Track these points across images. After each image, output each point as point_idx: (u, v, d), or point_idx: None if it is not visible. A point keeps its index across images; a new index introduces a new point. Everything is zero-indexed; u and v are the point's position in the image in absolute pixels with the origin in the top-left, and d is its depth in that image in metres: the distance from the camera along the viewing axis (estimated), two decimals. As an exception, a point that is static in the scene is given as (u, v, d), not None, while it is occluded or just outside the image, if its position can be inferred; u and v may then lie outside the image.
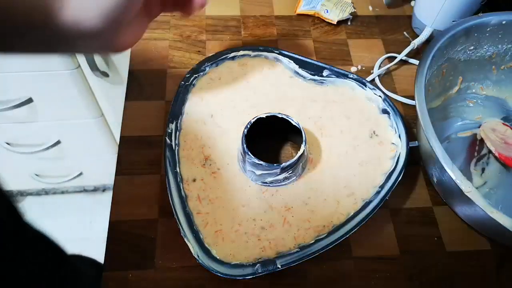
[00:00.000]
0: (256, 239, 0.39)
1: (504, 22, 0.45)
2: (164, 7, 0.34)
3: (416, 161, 0.46)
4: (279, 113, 0.41)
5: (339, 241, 0.38)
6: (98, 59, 0.69)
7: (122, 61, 0.72)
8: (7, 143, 0.87)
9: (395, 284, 0.40)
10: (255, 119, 0.40)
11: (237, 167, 0.43)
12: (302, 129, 0.40)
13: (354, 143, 0.45)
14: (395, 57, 0.54)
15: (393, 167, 0.42)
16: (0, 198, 0.31)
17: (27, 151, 0.89)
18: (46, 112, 0.81)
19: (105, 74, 0.74)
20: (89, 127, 0.87)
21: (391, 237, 0.42)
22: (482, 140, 0.48)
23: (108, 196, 1.19)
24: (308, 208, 0.41)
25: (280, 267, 0.36)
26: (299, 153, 0.39)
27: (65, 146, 0.92)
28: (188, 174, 0.42)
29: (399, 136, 0.44)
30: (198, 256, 0.36)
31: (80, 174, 1.04)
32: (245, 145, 0.39)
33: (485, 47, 0.47)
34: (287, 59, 0.49)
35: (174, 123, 0.44)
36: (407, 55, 0.54)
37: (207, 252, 0.37)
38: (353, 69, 0.54)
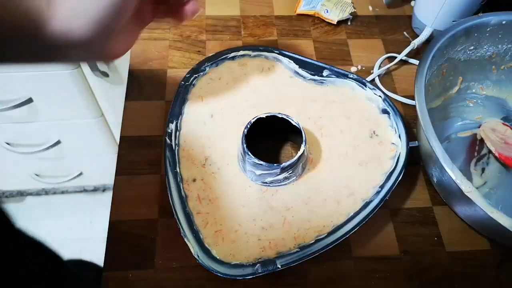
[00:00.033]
0: (256, 239, 0.39)
1: (504, 22, 0.45)
2: (155, 14, 0.34)
3: (416, 161, 0.46)
4: (279, 113, 0.41)
5: (339, 241, 0.38)
6: (98, 59, 0.69)
7: (122, 61, 0.72)
8: (7, 143, 0.87)
9: (395, 284, 0.40)
10: (255, 119, 0.40)
11: (237, 167, 0.43)
12: (302, 129, 0.40)
13: (354, 143, 0.45)
14: (395, 57, 0.54)
15: (393, 167, 0.42)
16: None
17: (27, 151, 0.89)
18: (46, 112, 0.81)
19: (105, 74, 0.74)
20: (89, 127, 0.87)
21: (391, 237, 0.42)
22: (482, 140, 0.48)
23: (108, 196, 1.19)
24: (308, 208, 0.41)
25: (280, 267, 0.36)
26: (299, 153, 0.39)
27: (65, 146, 0.92)
28: (188, 174, 0.42)
29: (399, 136, 0.44)
30: (198, 256, 0.36)
31: (80, 174, 1.04)
32: (245, 145, 0.39)
33: (485, 47, 0.47)
34: (287, 59, 0.49)
35: (174, 123, 0.44)
36: (407, 55, 0.54)
37: (207, 252, 0.37)
38: (353, 69, 0.54)
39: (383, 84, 0.53)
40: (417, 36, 0.56)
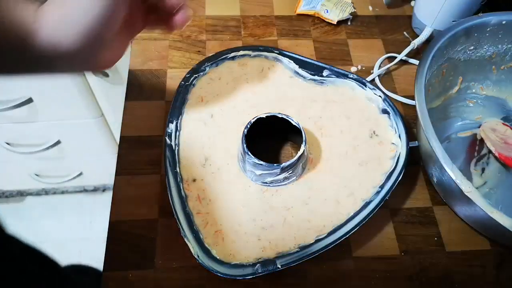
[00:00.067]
0: (256, 239, 0.39)
1: (504, 22, 0.45)
2: (146, 23, 0.34)
3: (416, 161, 0.46)
4: (279, 113, 0.41)
5: (339, 241, 0.38)
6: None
7: (122, 61, 0.72)
8: (7, 143, 0.87)
9: (395, 284, 0.40)
10: (255, 119, 0.40)
11: (237, 167, 0.43)
12: (302, 129, 0.40)
13: (354, 143, 0.45)
14: (395, 57, 0.54)
15: (393, 167, 0.42)
16: None
17: (27, 151, 0.89)
18: (46, 112, 0.81)
19: (105, 74, 0.74)
20: (89, 127, 0.87)
21: (391, 237, 0.42)
22: (482, 140, 0.48)
23: (108, 196, 1.19)
24: (308, 208, 0.41)
25: (280, 267, 0.36)
26: (299, 153, 0.39)
27: (65, 146, 0.92)
28: (188, 174, 0.42)
29: (399, 136, 0.44)
30: (198, 256, 0.36)
31: (80, 174, 1.04)
32: (245, 145, 0.39)
33: (485, 47, 0.47)
34: (287, 59, 0.49)
35: (174, 123, 0.44)
36: (407, 55, 0.54)
37: (207, 252, 0.37)
38: (353, 69, 0.54)
39: (383, 84, 0.53)
40: (417, 36, 0.56)
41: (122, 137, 0.45)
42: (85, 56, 0.27)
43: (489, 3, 0.53)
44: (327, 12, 0.57)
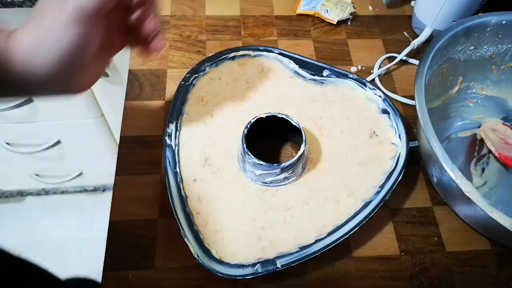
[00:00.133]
0: (256, 239, 0.39)
1: (504, 22, 0.45)
2: (126, 42, 0.33)
3: (416, 161, 0.46)
4: (279, 113, 0.41)
5: (339, 241, 0.38)
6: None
7: (122, 61, 0.72)
8: (7, 143, 0.87)
9: (395, 284, 0.40)
10: (255, 119, 0.40)
11: (237, 167, 0.43)
12: (302, 129, 0.40)
13: (354, 143, 0.45)
14: (395, 57, 0.54)
15: (393, 167, 0.42)
16: None
17: (27, 151, 0.89)
18: (46, 112, 0.81)
19: (105, 74, 0.74)
20: (89, 127, 0.87)
21: (391, 237, 0.42)
22: (482, 140, 0.48)
23: (108, 196, 1.19)
24: (308, 208, 0.41)
25: (280, 267, 0.36)
26: (299, 153, 0.39)
27: (65, 146, 0.92)
28: (188, 174, 0.42)
29: (399, 136, 0.44)
30: (198, 256, 0.36)
31: (80, 174, 1.04)
32: (245, 145, 0.39)
33: (485, 47, 0.47)
34: (287, 59, 0.49)
35: (174, 123, 0.44)
36: (407, 55, 0.54)
37: (207, 252, 0.37)
38: (353, 69, 0.54)
39: (383, 84, 0.53)
40: (417, 36, 0.56)
41: (122, 137, 0.45)
42: (62, 81, 0.26)
43: (489, 3, 0.53)
44: (327, 12, 0.57)
